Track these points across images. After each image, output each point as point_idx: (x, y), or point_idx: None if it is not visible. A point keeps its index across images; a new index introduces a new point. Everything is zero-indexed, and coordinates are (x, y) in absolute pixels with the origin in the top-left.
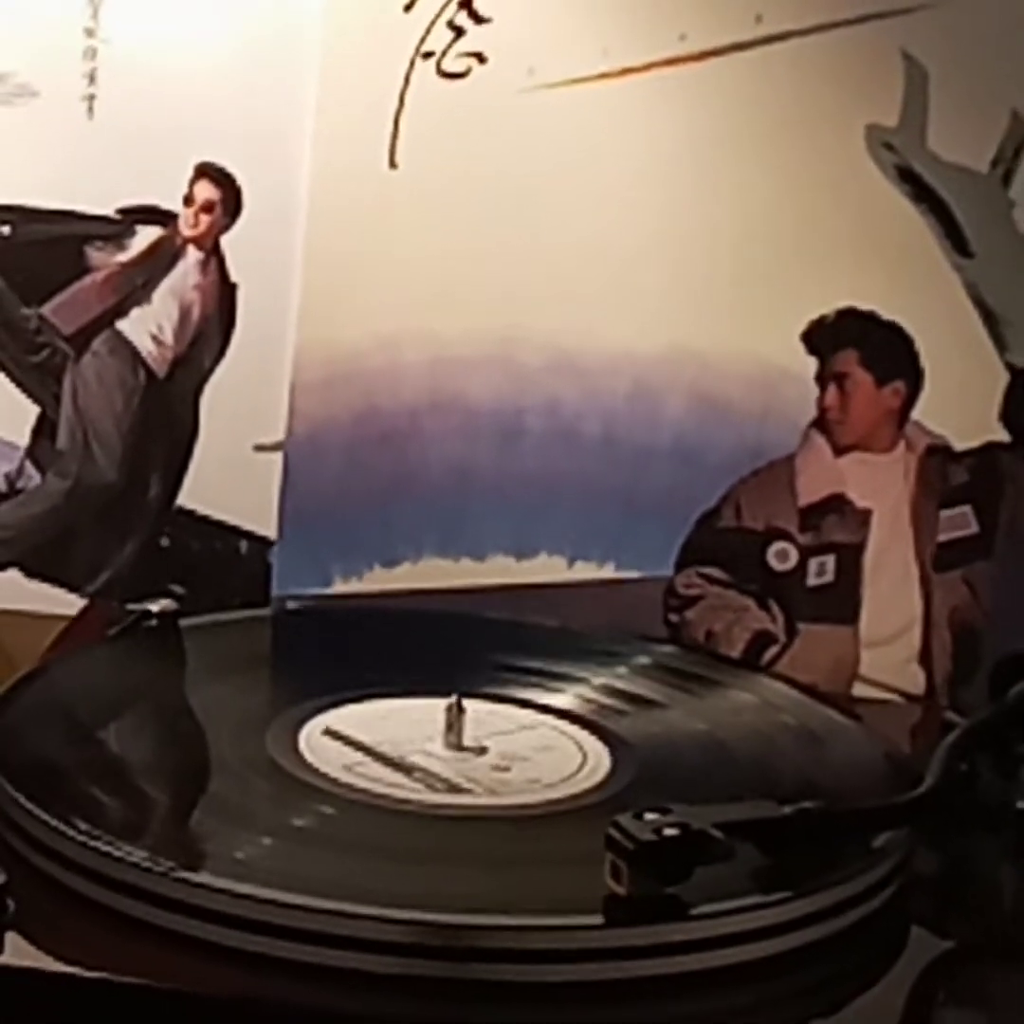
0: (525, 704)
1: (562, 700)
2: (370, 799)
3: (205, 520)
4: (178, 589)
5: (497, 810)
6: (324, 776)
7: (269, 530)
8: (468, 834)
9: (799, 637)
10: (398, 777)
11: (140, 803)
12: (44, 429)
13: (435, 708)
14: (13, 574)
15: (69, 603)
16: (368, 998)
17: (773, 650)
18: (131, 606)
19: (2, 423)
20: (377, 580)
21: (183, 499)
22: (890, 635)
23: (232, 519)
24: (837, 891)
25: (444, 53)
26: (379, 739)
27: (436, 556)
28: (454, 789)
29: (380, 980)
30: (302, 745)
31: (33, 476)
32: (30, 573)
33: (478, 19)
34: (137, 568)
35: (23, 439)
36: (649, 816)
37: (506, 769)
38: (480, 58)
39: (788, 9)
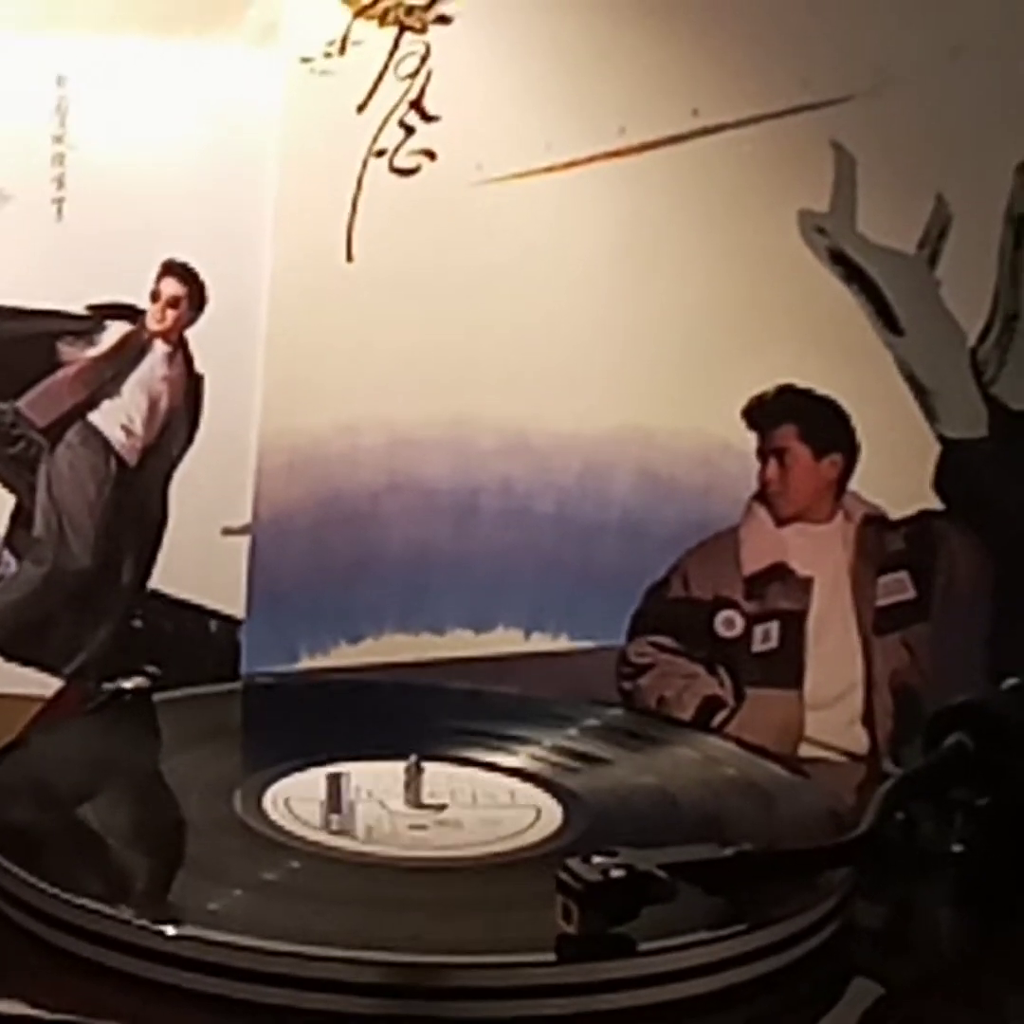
0: (481, 764)
1: (516, 760)
2: (335, 853)
3: (176, 602)
4: (152, 669)
5: (456, 861)
6: (291, 834)
7: (238, 610)
8: (429, 883)
9: (746, 701)
10: (361, 832)
11: (119, 863)
12: (20, 518)
13: (395, 769)
14: None
15: (46, 684)
16: None
17: (722, 714)
18: (106, 685)
19: None
20: (342, 655)
21: (155, 582)
22: (833, 697)
23: (202, 600)
24: (778, 929)
25: (396, 151)
26: (342, 799)
27: (398, 631)
28: (414, 843)
29: (345, 1020)
30: (269, 805)
31: (10, 563)
32: (8, 656)
33: (428, 118)
34: (111, 649)
35: (0, 528)
36: (597, 859)
37: (464, 824)
38: (430, 155)
39: (723, 103)
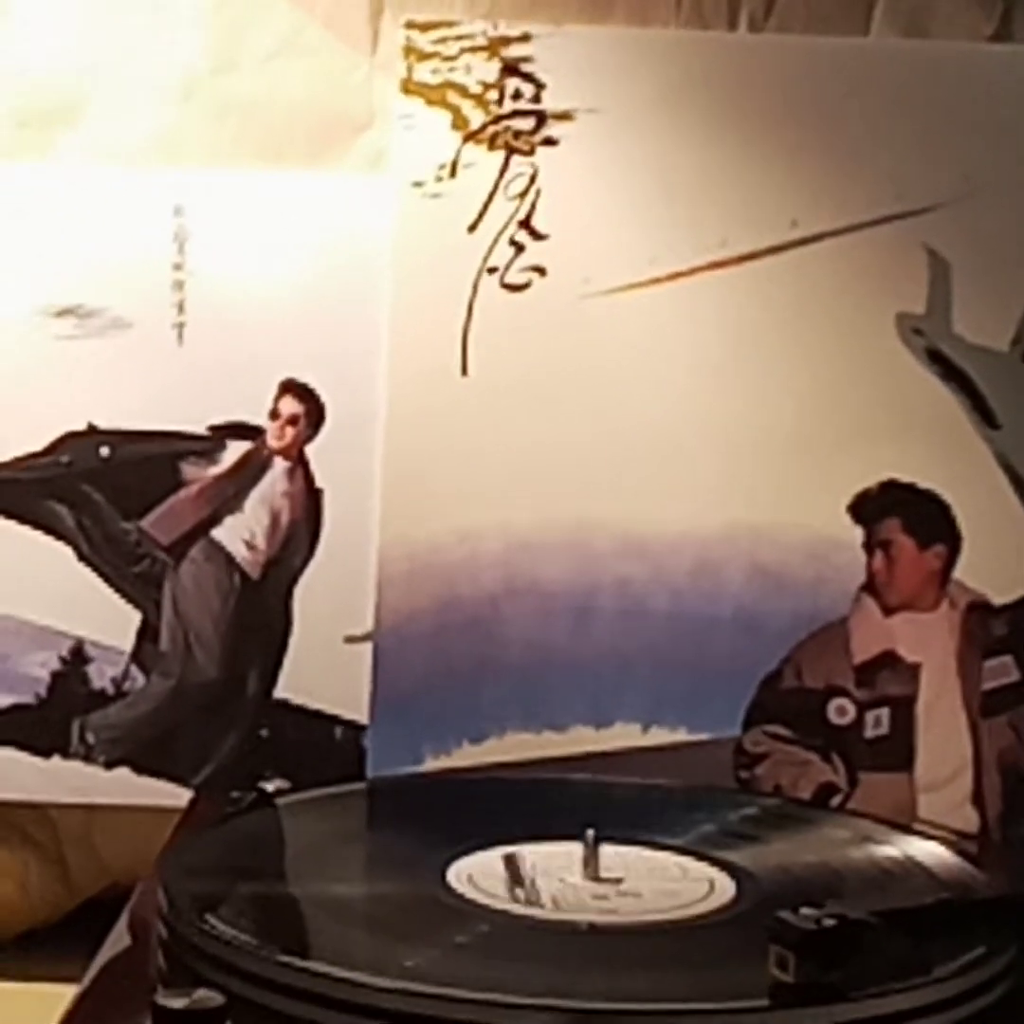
0: (647, 843)
1: (678, 841)
2: (526, 921)
3: (301, 710)
4: (269, 775)
5: (642, 925)
6: (479, 905)
7: (361, 716)
8: (621, 944)
9: (860, 786)
10: (547, 901)
11: (324, 933)
12: (147, 633)
13: (566, 849)
14: (123, 771)
15: (176, 795)
16: None
17: (837, 799)
18: (234, 792)
19: (108, 630)
20: (466, 756)
21: (280, 691)
22: (944, 779)
23: (326, 707)
24: (974, 975)
25: (507, 268)
26: (523, 875)
27: (520, 730)
28: (601, 911)
29: None
30: (453, 880)
31: (138, 678)
32: (139, 769)
33: (537, 236)
34: (239, 759)
35: (127, 644)
36: (805, 911)
37: (644, 894)
38: (540, 271)
39: (820, 213)
